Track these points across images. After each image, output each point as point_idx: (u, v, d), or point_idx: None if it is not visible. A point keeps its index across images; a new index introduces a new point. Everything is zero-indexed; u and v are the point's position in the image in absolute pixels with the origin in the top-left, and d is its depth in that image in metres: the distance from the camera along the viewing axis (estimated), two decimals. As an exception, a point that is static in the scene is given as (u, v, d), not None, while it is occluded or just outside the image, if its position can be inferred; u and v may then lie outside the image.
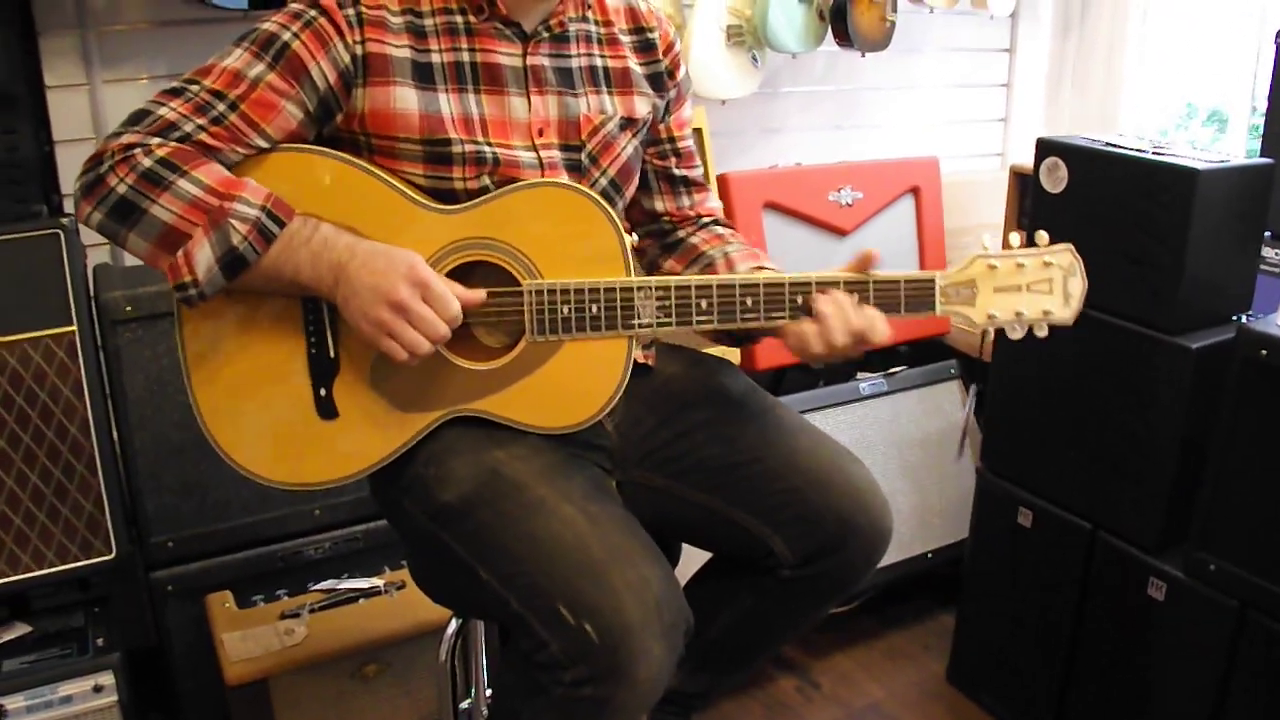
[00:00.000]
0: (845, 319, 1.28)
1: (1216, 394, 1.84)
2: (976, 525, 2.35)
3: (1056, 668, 2.18)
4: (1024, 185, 2.68)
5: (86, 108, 2.11)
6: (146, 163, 1.22)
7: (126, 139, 1.24)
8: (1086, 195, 1.99)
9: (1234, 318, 1.97)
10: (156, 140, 1.24)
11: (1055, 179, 2.03)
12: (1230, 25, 3.10)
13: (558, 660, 1.19)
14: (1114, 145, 1.98)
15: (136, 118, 1.26)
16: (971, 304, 1.31)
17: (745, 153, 2.83)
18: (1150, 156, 1.90)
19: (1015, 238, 1.30)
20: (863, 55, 2.63)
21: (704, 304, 1.31)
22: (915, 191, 2.77)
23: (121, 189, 1.22)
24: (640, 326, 1.31)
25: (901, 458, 2.64)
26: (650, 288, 1.30)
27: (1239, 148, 3.03)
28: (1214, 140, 3.32)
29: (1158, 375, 1.91)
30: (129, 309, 1.92)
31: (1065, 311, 1.31)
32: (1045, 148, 2.05)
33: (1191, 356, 1.86)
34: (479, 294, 1.29)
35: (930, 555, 2.64)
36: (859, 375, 2.65)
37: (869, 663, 2.53)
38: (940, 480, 2.69)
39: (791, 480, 1.38)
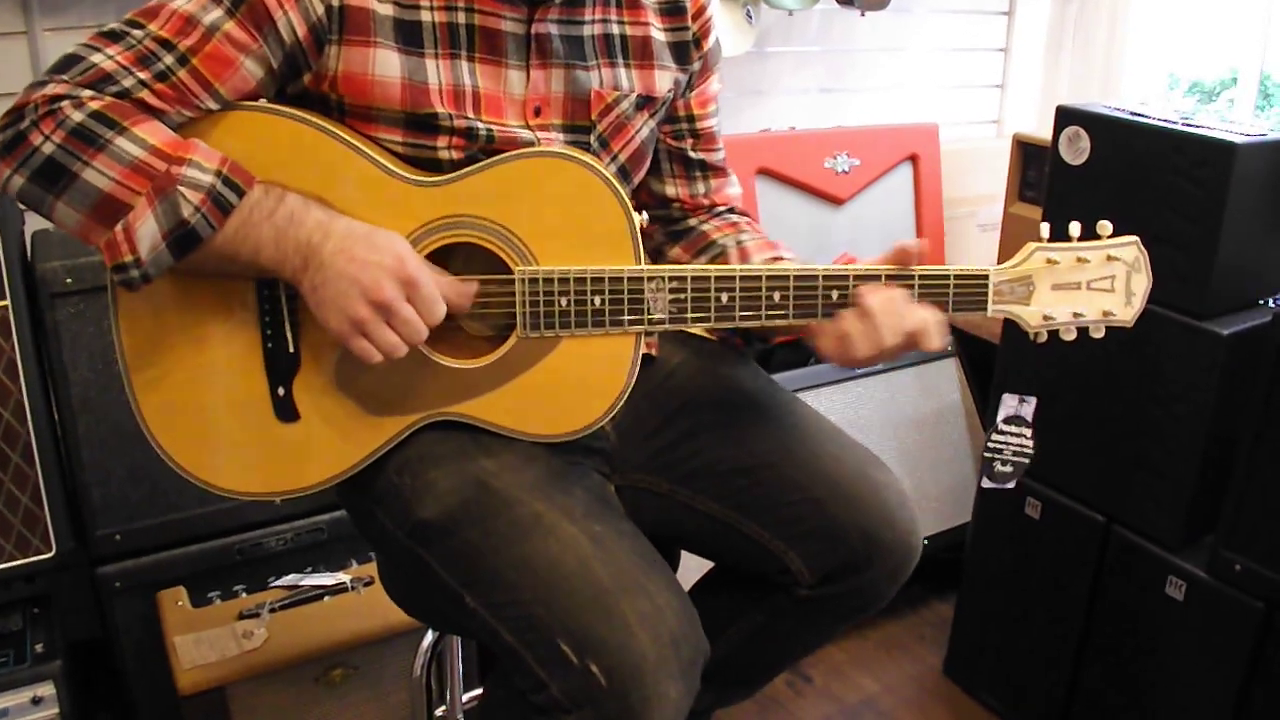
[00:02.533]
0: (899, 318, 1.13)
1: (1247, 383, 1.72)
2: (979, 514, 2.23)
3: (1063, 666, 2.08)
4: (1027, 155, 2.56)
5: (25, 58, 1.93)
6: (77, 117, 1.03)
7: (53, 89, 1.04)
8: (1110, 168, 1.86)
9: (1261, 301, 1.86)
10: (89, 93, 1.04)
11: (1076, 150, 1.89)
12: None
13: (558, 703, 1.04)
14: (1140, 115, 1.84)
15: (66, 64, 1.07)
16: (1026, 302, 1.17)
17: (735, 115, 2.67)
18: (1181, 128, 1.76)
19: (1075, 227, 1.15)
20: (862, 14, 2.49)
21: (724, 298, 1.15)
22: (914, 159, 2.65)
23: (47, 148, 1.02)
24: (650, 323, 1.15)
25: (898, 439, 2.52)
26: (663, 278, 1.14)
27: (1244, 117, 2.92)
28: (1195, 113, 3.22)
29: (1185, 362, 1.79)
30: (69, 280, 1.75)
31: (1127, 312, 1.17)
32: (1067, 116, 1.91)
33: (1223, 343, 1.74)
34: (469, 288, 1.13)
35: (926, 542, 2.51)
36: (853, 353, 2.52)
37: (862, 655, 2.42)
38: (936, 463, 2.57)
39: (812, 490, 1.23)
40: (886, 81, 2.95)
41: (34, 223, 1.91)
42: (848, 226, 2.55)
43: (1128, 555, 1.92)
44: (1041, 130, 2.62)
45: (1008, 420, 1.77)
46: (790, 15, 2.51)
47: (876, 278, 1.15)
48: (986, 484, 1.58)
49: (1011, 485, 1.64)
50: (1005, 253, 2.61)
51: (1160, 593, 1.86)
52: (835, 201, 2.52)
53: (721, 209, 1.42)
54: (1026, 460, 1.75)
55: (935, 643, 2.44)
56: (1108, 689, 2.01)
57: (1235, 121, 1.90)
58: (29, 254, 1.78)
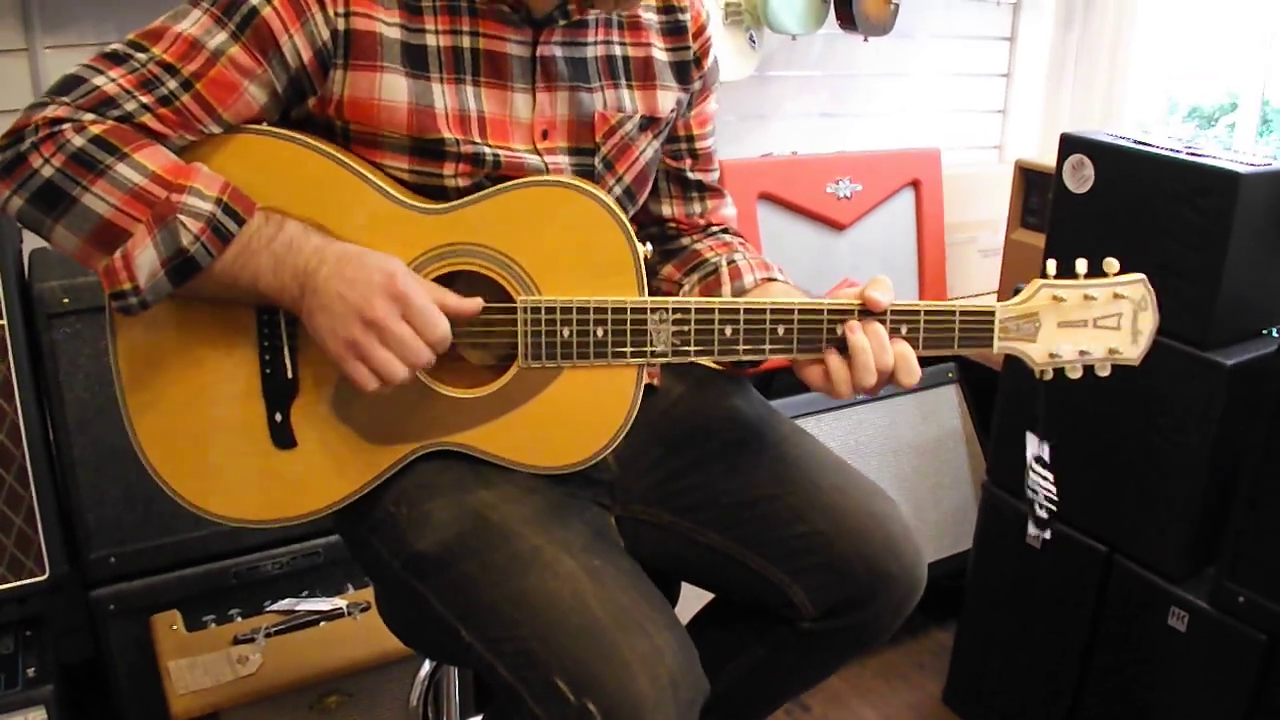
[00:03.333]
0: (880, 355, 1.12)
1: (1250, 413, 1.71)
2: (980, 542, 2.22)
3: (1063, 697, 2.06)
4: (1029, 181, 2.55)
5: (26, 75, 1.92)
6: (77, 141, 1.02)
7: (53, 111, 1.03)
8: (1114, 197, 1.85)
9: (1265, 332, 1.85)
10: (90, 116, 1.04)
11: (1080, 178, 1.89)
12: (1239, 18, 2.98)
13: None
14: (1144, 143, 1.84)
15: (67, 85, 1.05)
16: (1032, 340, 1.15)
17: (737, 140, 2.67)
18: (1185, 157, 1.76)
19: (1081, 264, 1.14)
20: (865, 39, 2.48)
21: (728, 331, 1.13)
22: (916, 184, 2.64)
23: (47, 171, 1.01)
24: (653, 355, 1.14)
25: (898, 465, 2.51)
26: (666, 309, 1.12)
27: (1246, 145, 2.92)
28: (1194, 139, 3.22)
29: (1188, 392, 1.78)
30: (67, 300, 1.73)
31: (1133, 350, 1.16)
32: (1071, 144, 1.90)
33: (1226, 373, 1.73)
34: (474, 302, 1.11)
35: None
36: (853, 378, 2.51)
37: (861, 683, 2.40)
38: (936, 490, 2.56)
39: (816, 523, 1.22)
40: (888, 106, 2.95)
41: (31, 241, 1.90)
42: (849, 252, 2.54)
43: (1130, 585, 1.91)
44: (1043, 156, 2.62)
45: (1036, 460, 1.77)
46: (794, 39, 2.50)
47: (883, 313, 1.13)
48: (1033, 532, 1.58)
49: (1049, 534, 1.63)
50: (1007, 279, 2.60)
51: (1162, 624, 1.85)
52: (837, 227, 2.52)
53: (716, 229, 1.41)
54: (1055, 507, 1.75)
55: (935, 671, 2.43)
56: (1109, 720, 1.99)
57: (1239, 150, 1.90)
58: (26, 273, 1.77)
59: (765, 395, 1.40)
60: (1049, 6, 3.07)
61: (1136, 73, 2.95)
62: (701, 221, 1.40)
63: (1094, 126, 2.70)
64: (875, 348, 1.12)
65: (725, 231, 1.41)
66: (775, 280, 1.30)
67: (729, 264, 1.32)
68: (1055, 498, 1.80)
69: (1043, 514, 1.91)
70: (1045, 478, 1.90)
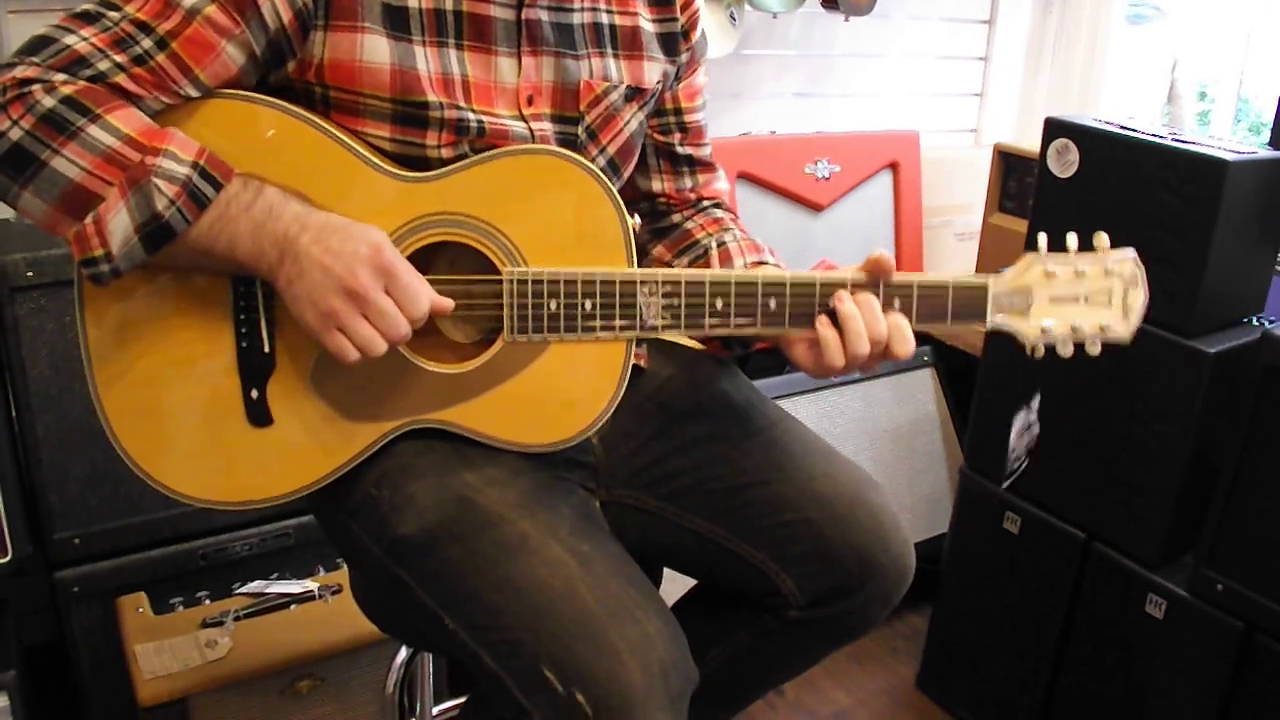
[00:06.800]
0: (872, 323, 1.10)
1: (1231, 401, 1.71)
2: (957, 528, 2.21)
3: (1039, 682, 2.06)
4: (1008, 165, 2.54)
5: (-14, 41, 1.86)
6: (48, 102, 0.97)
7: (22, 71, 0.99)
8: (1098, 182, 1.84)
9: (1246, 320, 1.85)
10: (61, 76, 0.99)
11: (1064, 163, 1.87)
12: (1218, 6, 2.99)
13: None
14: (1130, 129, 1.83)
15: (36, 45, 1.01)
16: (1024, 315, 1.13)
17: (715, 118, 2.57)
18: (1171, 144, 1.75)
19: (1072, 239, 1.12)
20: (846, 19, 2.46)
21: (719, 304, 1.11)
22: (894, 167, 2.63)
23: (14, 134, 0.97)
24: (642, 328, 1.11)
25: (873, 449, 2.50)
26: (656, 282, 1.09)
27: (1223, 132, 2.93)
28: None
29: (1170, 379, 1.77)
30: (30, 274, 1.68)
31: (1123, 327, 1.14)
32: (1055, 128, 1.88)
33: (1209, 361, 1.72)
34: (448, 301, 1.08)
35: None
36: (829, 361, 2.49)
37: (834, 667, 2.39)
38: (912, 473, 2.55)
39: (805, 511, 1.20)
40: (866, 88, 2.92)
41: (-7, 213, 1.85)
42: (826, 233, 2.52)
43: (1108, 572, 1.91)
44: (1019, 140, 2.61)
45: (1020, 433, 1.77)
46: (774, 18, 2.48)
47: (874, 285, 1.11)
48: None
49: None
50: (984, 263, 2.59)
51: (1140, 611, 1.85)
52: (815, 208, 2.50)
53: (707, 204, 1.39)
54: (1034, 443, 1.75)
55: (908, 655, 2.42)
56: (1084, 706, 1.99)
57: (1222, 138, 1.89)
58: (-12, 246, 1.72)
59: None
60: (1028, -11, 3.07)
61: (1114, 58, 2.95)
62: (692, 196, 1.37)
63: (1071, 111, 2.70)
64: (867, 316, 1.10)
65: (717, 206, 1.39)
66: (765, 264, 1.28)
67: (719, 246, 1.29)
68: (1036, 432, 1.80)
69: (1016, 466, 1.91)
70: (1029, 431, 1.91)
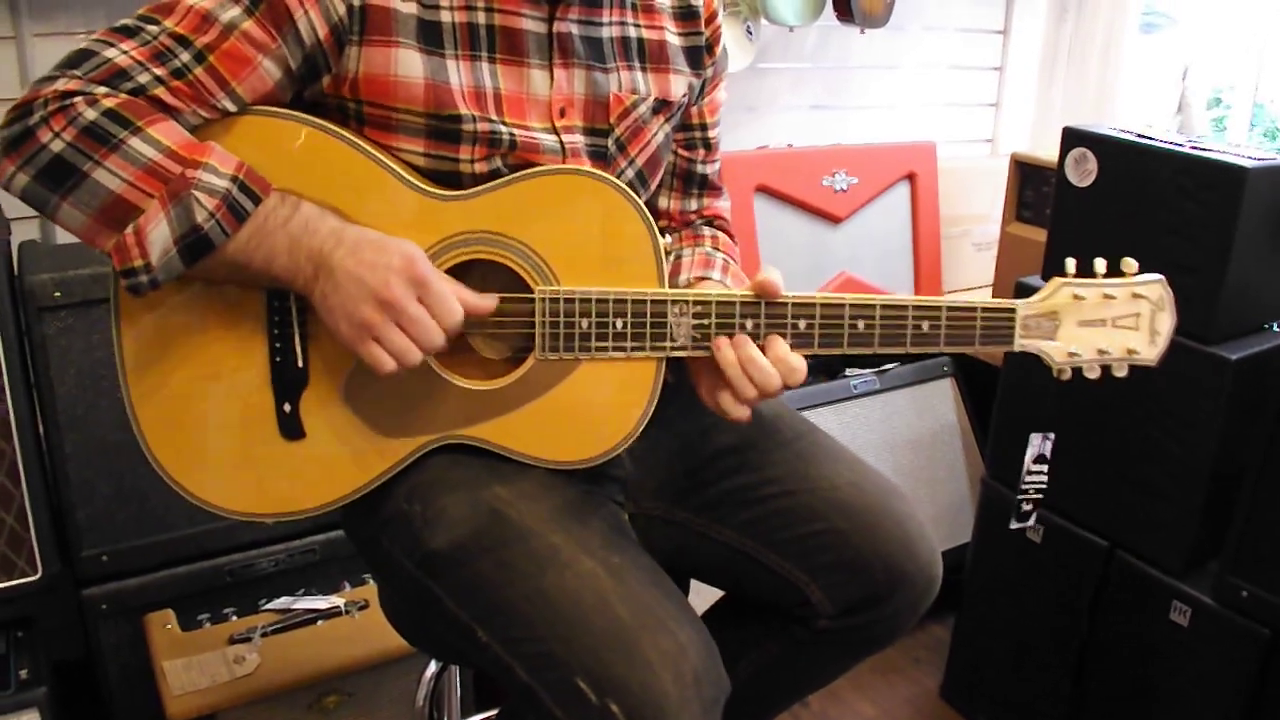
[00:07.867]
0: (753, 372, 1.12)
1: (1254, 407, 1.71)
2: (979, 537, 2.21)
3: (1063, 692, 2.05)
4: (1025, 175, 2.55)
5: (14, 64, 1.89)
6: (90, 115, 0.99)
7: (64, 84, 1.00)
8: (1117, 191, 1.84)
9: (1267, 326, 1.85)
10: (103, 89, 1.01)
11: (1083, 172, 1.88)
12: (1232, 12, 2.99)
13: None
14: (1148, 137, 1.83)
15: (77, 59, 1.03)
16: (1052, 338, 1.14)
17: (732, 131, 2.64)
18: (1190, 151, 1.75)
19: (1100, 264, 1.13)
20: (862, 31, 2.47)
21: (749, 325, 1.11)
22: (911, 178, 2.63)
23: (56, 146, 0.99)
24: (672, 349, 1.12)
25: (894, 459, 2.50)
26: (687, 302, 1.10)
27: (1239, 139, 2.93)
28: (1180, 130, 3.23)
29: (1191, 386, 1.77)
30: (58, 294, 1.69)
31: (1151, 351, 1.15)
32: (1073, 137, 1.89)
33: (1230, 367, 1.72)
34: (489, 300, 1.09)
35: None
36: (848, 372, 2.50)
37: (858, 678, 2.38)
38: (932, 483, 2.55)
39: (833, 520, 1.20)
40: (881, 99, 2.94)
41: (20, 233, 1.87)
42: (845, 245, 2.53)
43: (1131, 580, 1.90)
44: (1035, 149, 2.62)
45: (1036, 460, 1.76)
46: (790, 31, 2.49)
47: (904, 309, 1.11)
48: (1015, 525, 1.56)
49: (1031, 523, 1.62)
50: (1001, 273, 2.60)
51: (1164, 619, 1.84)
52: (833, 220, 2.51)
53: (698, 222, 1.40)
54: (1041, 497, 1.74)
55: (931, 665, 2.42)
56: (1108, 715, 1.98)
57: (1240, 145, 1.89)
58: (16, 265, 1.73)
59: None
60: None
61: (1129, 67, 2.95)
62: (694, 217, 1.39)
63: (1086, 120, 2.70)
64: (744, 360, 1.11)
65: (708, 224, 1.40)
66: (709, 280, 1.27)
67: (675, 259, 1.31)
68: (1045, 487, 1.80)
69: (1029, 508, 1.90)
70: (1040, 473, 1.90)
